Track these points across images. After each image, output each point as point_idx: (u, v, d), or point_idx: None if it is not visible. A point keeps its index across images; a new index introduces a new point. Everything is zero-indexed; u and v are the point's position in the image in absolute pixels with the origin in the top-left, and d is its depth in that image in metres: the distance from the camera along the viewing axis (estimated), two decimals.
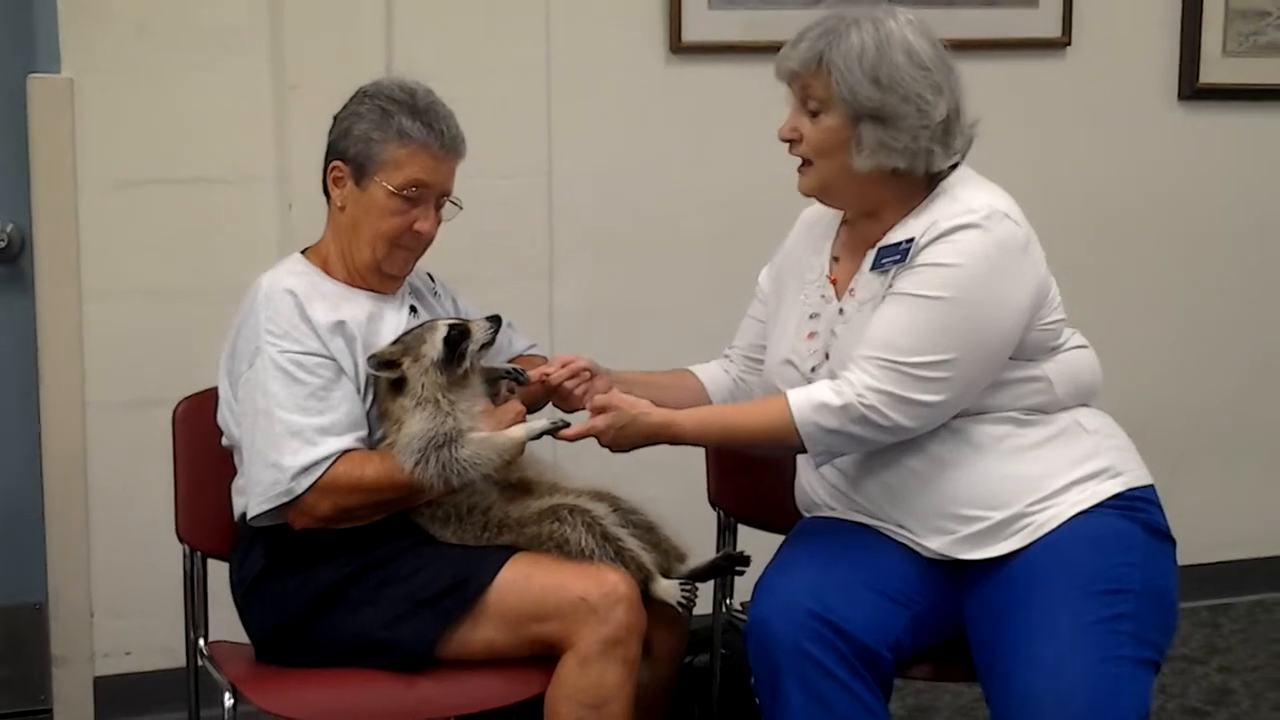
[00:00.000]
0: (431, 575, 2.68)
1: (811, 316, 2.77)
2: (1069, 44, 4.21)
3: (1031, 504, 2.62)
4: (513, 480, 2.78)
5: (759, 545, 2.91)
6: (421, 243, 2.83)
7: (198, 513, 2.93)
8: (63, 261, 3.59)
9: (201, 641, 2.91)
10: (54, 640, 3.72)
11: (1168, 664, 2.74)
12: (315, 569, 2.71)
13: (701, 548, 2.89)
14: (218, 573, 2.91)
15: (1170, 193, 4.38)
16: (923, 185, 2.68)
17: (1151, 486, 2.73)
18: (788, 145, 2.71)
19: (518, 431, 2.72)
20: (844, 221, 2.82)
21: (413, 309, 2.88)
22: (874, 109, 2.60)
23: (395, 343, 2.75)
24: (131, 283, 3.63)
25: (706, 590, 2.91)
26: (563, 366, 2.84)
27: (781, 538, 2.86)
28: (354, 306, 2.79)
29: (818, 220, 2.88)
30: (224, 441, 2.83)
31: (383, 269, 2.82)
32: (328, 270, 2.83)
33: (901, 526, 2.69)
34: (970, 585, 2.65)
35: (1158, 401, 4.30)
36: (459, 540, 2.74)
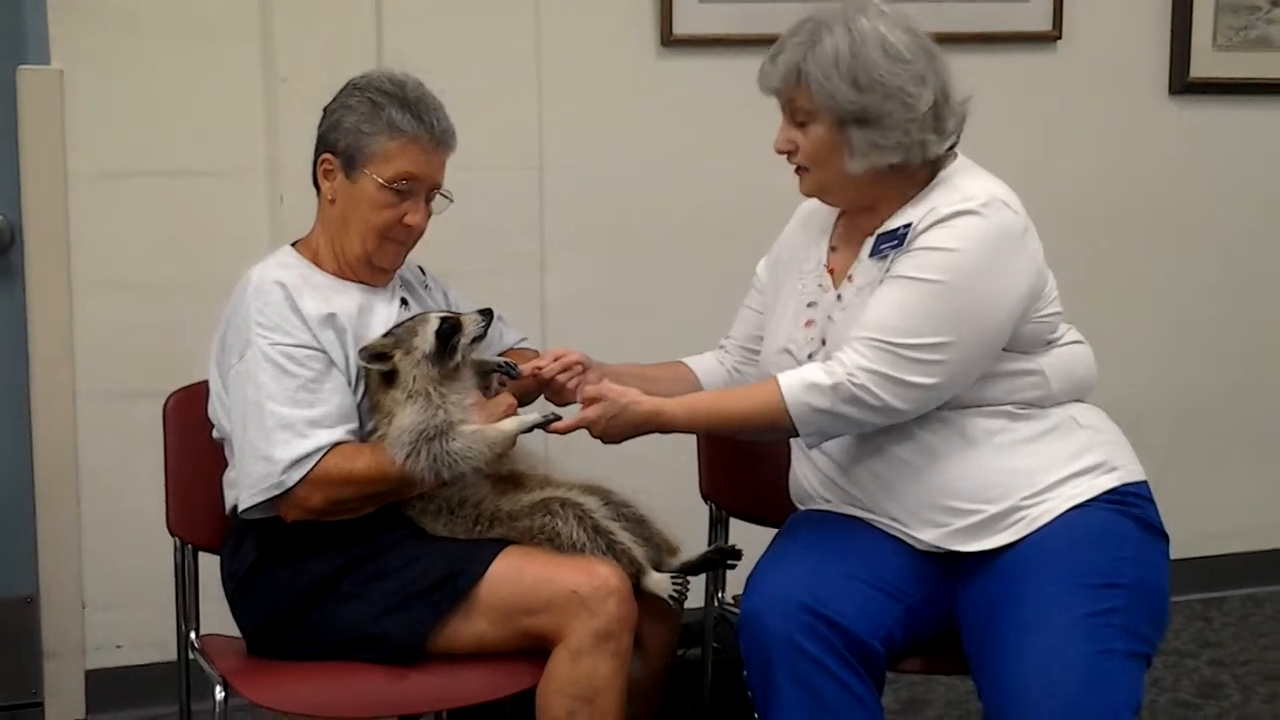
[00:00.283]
0: (423, 568, 2.68)
1: (809, 305, 2.77)
2: (1059, 37, 4.21)
3: (1025, 498, 2.62)
4: (504, 473, 2.78)
5: (751, 539, 2.91)
6: (412, 236, 2.83)
7: (189, 505, 2.92)
8: (53, 254, 3.59)
9: (192, 634, 2.91)
10: (45, 634, 3.72)
11: (1159, 657, 2.75)
12: (306, 562, 2.71)
13: (693, 541, 2.89)
14: (209, 566, 2.90)
15: (1161, 187, 4.39)
16: (922, 173, 2.68)
17: (1145, 482, 2.73)
18: (785, 156, 2.71)
19: (509, 425, 2.71)
20: (842, 212, 2.82)
21: (404, 302, 2.88)
22: (858, 112, 2.59)
23: (386, 335, 2.75)
24: (122, 275, 3.63)
25: (698, 584, 2.91)
26: (555, 360, 2.84)
27: (773, 531, 2.86)
28: (345, 299, 2.78)
29: (815, 211, 2.88)
30: (215, 434, 2.83)
31: (373, 262, 2.82)
32: (318, 263, 2.83)
33: (894, 519, 2.69)
34: (963, 578, 2.65)
35: (1149, 396, 4.31)
36: (450, 533, 2.74)
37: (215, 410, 2.80)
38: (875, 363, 2.56)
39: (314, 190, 2.86)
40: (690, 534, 2.91)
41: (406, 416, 2.67)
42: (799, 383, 2.60)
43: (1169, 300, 4.46)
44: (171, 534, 2.93)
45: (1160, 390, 4.41)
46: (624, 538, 2.70)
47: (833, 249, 2.81)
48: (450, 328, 2.73)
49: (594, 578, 2.62)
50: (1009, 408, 2.67)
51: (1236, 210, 4.47)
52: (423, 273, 3.00)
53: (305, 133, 2.87)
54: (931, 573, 2.66)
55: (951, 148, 2.69)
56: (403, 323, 2.77)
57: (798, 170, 2.71)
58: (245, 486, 2.68)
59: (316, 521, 2.69)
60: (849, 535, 2.70)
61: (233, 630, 2.86)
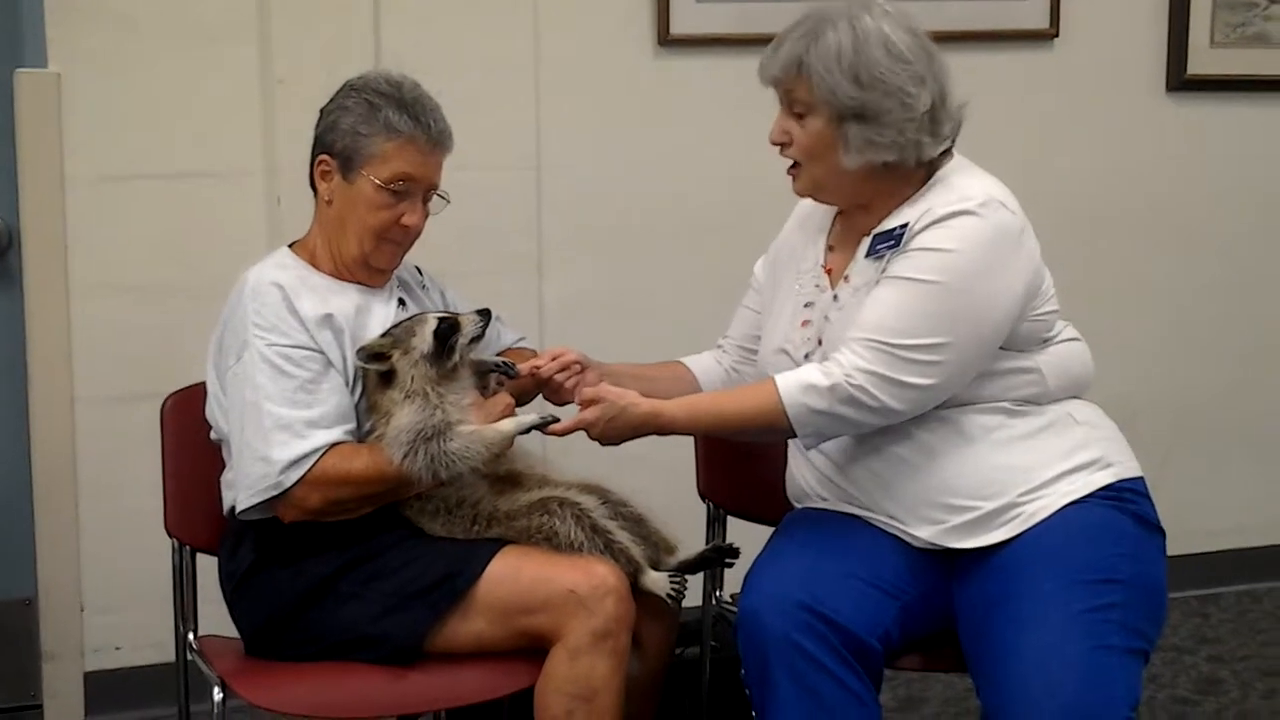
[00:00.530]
0: (421, 569, 2.68)
1: (806, 305, 2.78)
2: (1057, 35, 4.21)
3: (1022, 494, 2.62)
4: (501, 473, 2.78)
5: (748, 537, 2.91)
6: (409, 236, 2.83)
7: (187, 507, 2.92)
8: (50, 256, 3.59)
9: (191, 636, 2.91)
10: (44, 635, 3.72)
11: (1157, 653, 2.75)
12: (304, 562, 2.71)
13: (691, 540, 2.89)
14: (207, 567, 2.90)
15: (1159, 184, 4.39)
16: (918, 174, 2.68)
17: (1141, 478, 2.73)
18: (779, 148, 2.71)
19: (507, 425, 2.71)
20: (840, 212, 2.82)
21: (401, 302, 2.88)
22: (857, 108, 2.60)
23: (384, 335, 2.75)
24: (119, 277, 3.63)
25: (696, 582, 2.91)
26: (553, 359, 2.84)
27: (771, 529, 2.86)
28: (342, 299, 2.79)
29: (813, 211, 2.88)
30: (212, 435, 2.83)
31: (370, 263, 2.82)
32: (315, 264, 2.83)
33: (891, 516, 2.69)
34: (960, 575, 2.65)
35: (1147, 393, 4.31)
36: (448, 533, 2.74)
37: (213, 411, 2.80)
38: (872, 364, 2.57)
39: (311, 191, 2.86)
40: (688, 532, 2.91)
41: (404, 417, 2.67)
42: (796, 384, 2.60)
43: (1167, 297, 4.46)
44: (170, 535, 2.93)
45: (1158, 387, 4.41)
46: (622, 537, 2.70)
47: (830, 249, 2.81)
48: (448, 328, 2.73)
49: (592, 577, 2.62)
50: (1006, 405, 2.67)
51: (1235, 207, 4.47)
52: (420, 273, 3.00)
53: (302, 134, 2.87)
54: (929, 570, 2.66)
55: (946, 151, 2.69)
56: (400, 323, 2.78)
57: (791, 169, 2.71)
58: (243, 487, 2.68)
59: (314, 522, 2.69)
60: (846, 533, 2.70)
61: (231, 631, 2.86)
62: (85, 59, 3.55)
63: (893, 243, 2.64)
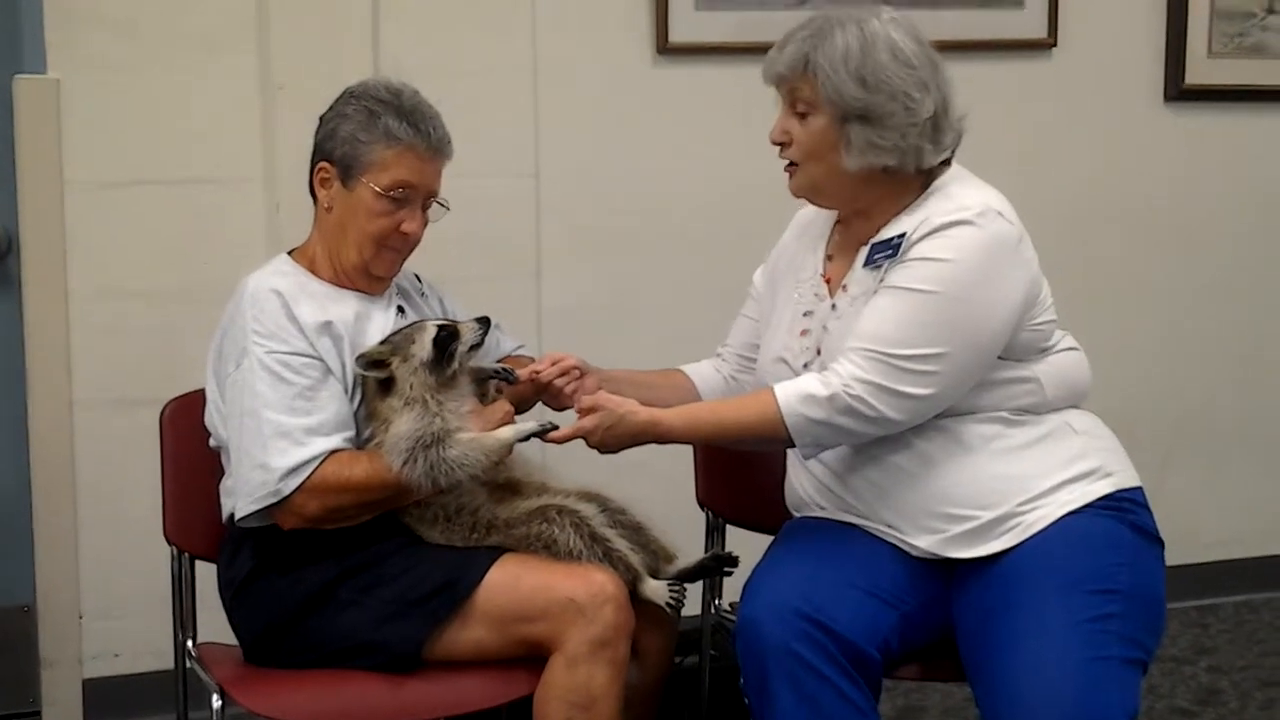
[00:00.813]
0: (420, 576, 2.68)
1: (805, 314, 2.78)
2: (1055, 45, 4.22)
3: (1021, 504, 2.62)
4: (500, 481, 2.78)
5: (747, 546, 2.91)
6: (408, 244, 2.83)
7: (186, 514, 2.92)
8: (49, 262, 3.59)
9: (190, 643, 2.90)
10: (42, 642, 3.71)
11: (1156, 664, 2.75)
12: (303, 570, 2.71)
13: (690, 548, 2.89)
14: (206, 574, 2.90)
15: (1156, 193, 4.39)
16: (916, 183, 2.69)
17: (1140, 488, 2.73)
18: (779, 148, 2.71)
19: (506, 433, 2.71)
20: (838, 221, 2.82)
21: (400, 309, 2.88)
22: (861, 109, 2.60)
23: (384, 343, 2.75)
24: (119, 284, 3.62)
25: (695, 591, 2.92)
26: (552, 364, 2.84)
27: (770, 538, 2.86)
28: (341, 307, 2.79)
29: (812, 220, 2.89)
30: (212, 442, 2.83)
31: (370, 270, 2.82)
32: (314, 271, 2.83)
33: (890, 526, 2.69)
34: (959, 585, 2.65)
35: (1145, 402, 4.31)
36: (447, 541, 2.74)
37: (212, 418, 2.80)
38: (870, 373, 2.57)
39: (310, 198, 2.86)
40: (687, 541, 2.91)
41: (403, 424, 2.67)
42: (795, 394, 2.60)
43: (1165, 306, 4.46)
44: (169, 542, 2.93)
45: (1156, 396, 4.42)
46: (620, 545, 2.70)
47: (829, 258, 2.82)
48: (448, 335, 2.73)
49: (591, 585, 2.62)
50: (1004, 414, 2.67)
51: (1233, 217, 4.47)
52: (419, 280, 3.00)
53: (302, 141, 2.88)
54: (927, 579, 2.66)
55: (945, 161, 2.70)
56: (400, 330, 2.78)
57: (788, 167, 2.72)
58: (242, 495, 2.68)
59: (313, 529, 2.69)
60: (845, 542, 2.70)
61: (230, 639, 2.86)
62: (85, 65, 3.55)
63: (890, 252, 2.64)
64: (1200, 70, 4.35)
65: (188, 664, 2.89)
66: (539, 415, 2.83)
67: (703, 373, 3.02)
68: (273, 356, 2.69)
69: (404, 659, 2.65)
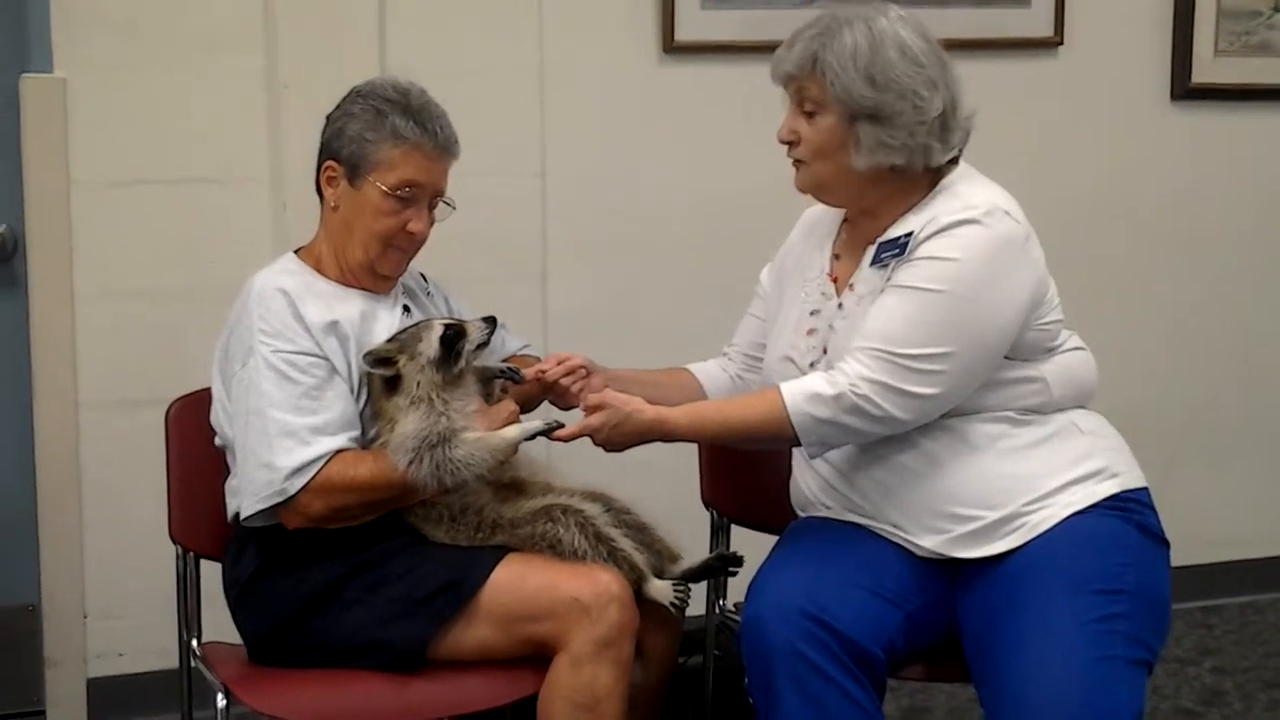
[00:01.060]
0: (424, 575, 2.68)
1: (812, 313, 2.78)
2: (1061, 44, 4.22)
3: (1026, 504, 2.62)
4: (506, 480, 2.78)
5: (752, 546, 2.91)
6: (415, 243, 2.83)
7: (191, 513, 2.92)
8: (55, 262, 3.59)
9: (194, 642, 2.91)
10: (47, 642, 3.72)
11: (1160, 665, 2.74)
12: (308, 569, 2.71)
13: (694, 548, 2.89)
14: (211, 573, 2.90)
15: (1163, 192, 4.39)
16: (923, 181, 2.68)
17: (1146, 489, 2.73)
18: (787, 147, 2.71)
19: (511, 432, 2.71)
20: (845, 220, 2.82)
21: (406, 309, 2.88)
22: (870, 108, 2.60)
23: (391, 341, 2.75)
24: (124, 283, 3.63)
25: (700, 591, 2.91)
26: (558, 363, 2.84)
27: (775, 538, 2.86)
28: (347, 306, 2.79)
29: (819, 219, 2.89)
30: (217, 441, 2.83)
31: (376, 269, 2.82)
32: (321, 270, 2.83)
33: (895, 525, 2.69)
34: (964, 585, 2.65)
35: (1150, 402, 4.31)
36: (452, 540, 2.74)
37: (218, 417, 2.80)
38: (877, 373, 2.57)
39: (317, 197, 2.86)
40: (691, 541, 2.90)
41: (409, 423, 2.67)
42: (801, 393, 2.60)
43: (1171, 307, 4.46)
44: (173, 542, 2.93)
45: (1162, 396, 4.41)
46: (625, 545, 2.70)
47: (836, 257, 2.81)
48: (454, 334, 2.73)
49: (595, 585, 2.62)
50: (1010, 414, 2.67)
51: (1239, 216, 4.47)
52: (425, 280, 3.00)
53: (308, 140, 2.88)
54: (932, 579, 2.66)
55: (952, 160, 2.69)
56: (406, 329, 2.78)
57: (796, 164, 2.71)
58: (247, 494, 2.68)
59: (318, 529, 2.69)
60: (850, 542, 2.70)
61: (235, 638, 2.86)
62: (91, 64, 3.55)
63: (897, 251, 2.64)
64: (1206, 69, 4.35)
65: (192, 663, 2.89)
66: (544, 415, 2.83)
67: (709, 372, 3.02)
68: (278, 355, 2.69)
69: (409, 658, 2.65)
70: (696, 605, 2.84)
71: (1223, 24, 4.35)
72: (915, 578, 2.66)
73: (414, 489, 2.67)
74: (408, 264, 2.88)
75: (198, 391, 2.93)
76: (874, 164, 2.63)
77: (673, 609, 2.72)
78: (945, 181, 2.69)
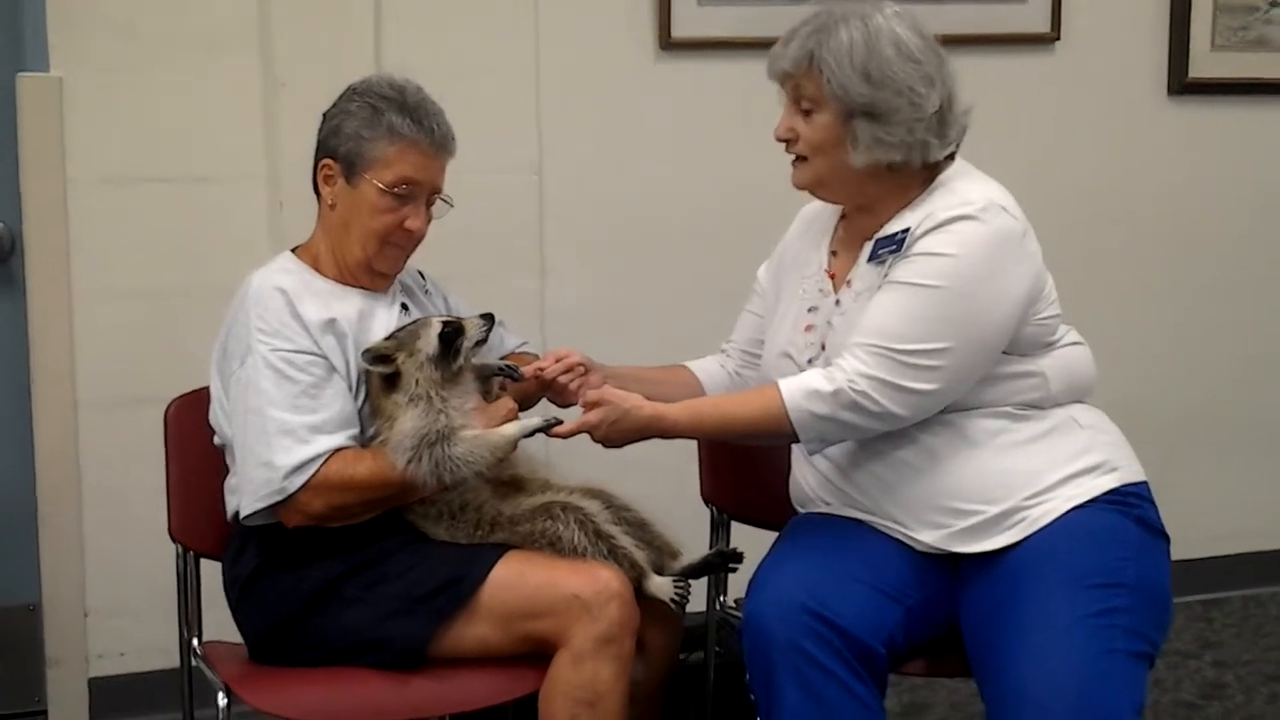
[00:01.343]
0: (424, 573, 2.68)
1: (809, 310, 2.78)
2: (1058, 39, 4.22)
3: (1026, 498, 2.62)
4: (505, 478, 2.78)
5: (752, 542, 2.91)
6: (412, 240, 2.83)
7: (190, 512, 2.92)
8: (53, 261, 3.59)
9: (195, 641, 2.91)
10: (48, 641, 3.72)
11: (1161, 658, 2.75)
12: (308, 567, 2.71)
13: (694, 545, 2.89)
14: (211, 572, 2.90)
15: (1160, 188, 4.39)
16: (920, 177, 2.68)
17: (1145, 483, 2.73)
18: (784, 144, 2.71)
19: (510, 429, 2.71)
20: (842, 216, 2.82)
21: (404, 307, 2.88)
22: (867, 105, 2.60)
23: (389, 338, 2.75)
24: (122, 282, 3.63)
25: (700, 587, 2.91)
26: (556, 360, 2.84)
27: (775, 534, 2.86)
28: (345, 304, 2.79)
29: (816, 216, 2.89)
30: (216, 440, 2.83)
31: (374, 267, 2.82)
32: (318, 268, 2.83)
33: (895, 521, 2.69)
34: (964, 580, 2.65)
35: (1150, 396, 4.31)
36: (451, 538, 2.74)
37: (216, 416, 2.80)
38: (875, 369, 2.57)
39: (314, 196, 2.86)
40: (691, 537, 2.91)
41: (408, 421, 2.67)
42: (800, 389, 2.60)
43: (1169, 301, 4.46)
44: (174, 541, 2.93)
45: (1161, 391, 4.41)
46: (625, 541, 2.70)
47: (833, 253, 2.81)
48: (453, 331, 2.73)
49: (595, 582, 2.62)
50: (1009, 409, 2.67)
51: (1236, 210, 4.47)
52: (423, 277, 3.00)
53: (305, 138, 2.88)
54: (932, 574, 2.66)
55: (949, 156, 2.69)
56: (405, 326, 2.78)
57: (795, 161, 2.71)
58: (247, 493, 2.68)
59: (318, 527, 2.69)
60: (850, 537, 2.70)
61: (235, 637, 2.86)
62: (87, 63, 3.55)
63: (894, 247, 2.64)
64: (1203, 64, 4.35)
65: (193, 662, 2.89)
66: (543, 412, 2.82)
67: (707, 369, 3.02)
68: (277, 354, 2.69)
69: (409, 656, 2.65)
70: (697, 602, 2.84)
71: (1219, 19, 4.35)
72: (915, 573, 2.66)
73: (413, 486, 2.67)
74: (405, 262, 2.88)
75: (197, 390, 2.93)
76: (871, 161, 2.63)
77: (673, 605, 2.72)
78: (942, 177, 2.69)
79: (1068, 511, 2.61)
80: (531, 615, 2.63)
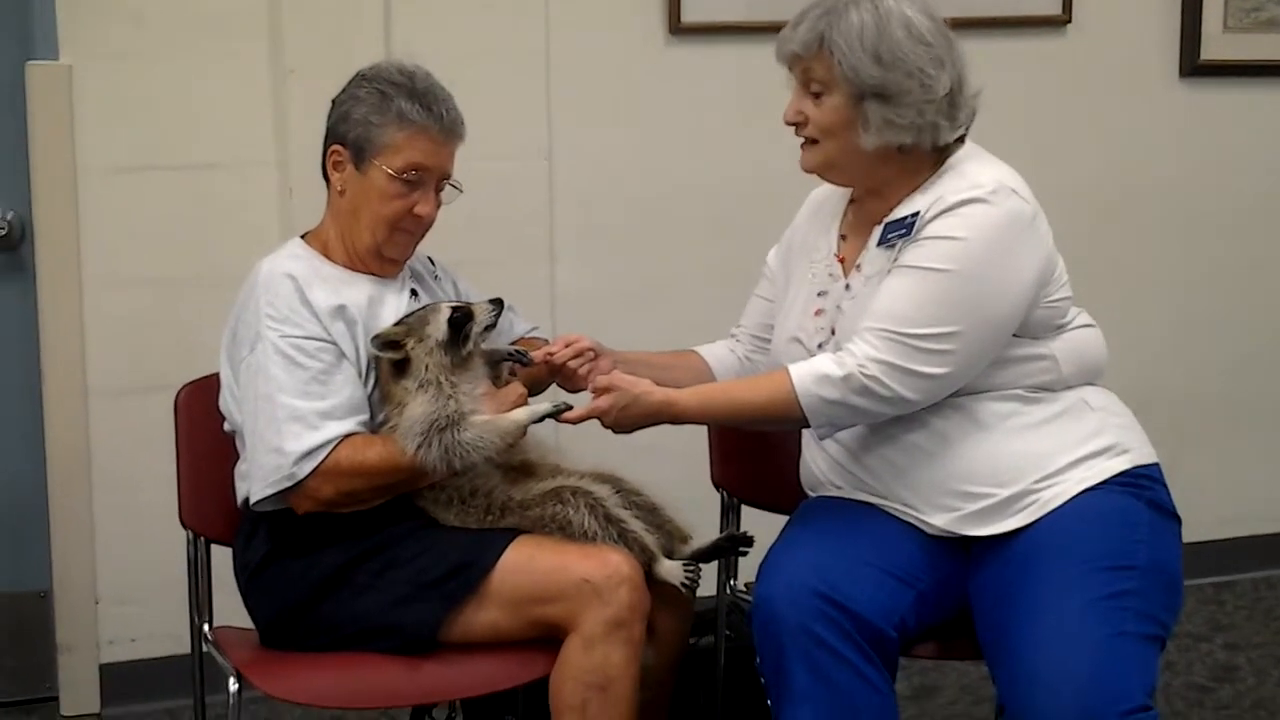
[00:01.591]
0: (435, 558, 2.68)
1: (819, 294, 2.77)
2: (1069, 21, 4.21)
3: (1037, 481, 2.61)
4: (515, 463, 2.78)
5: (762, 526, 2.91)
6: (422, 226, 2.83)
7: (201, 498, 2.92)
8: (63, 249, 3.59)
9: (206, 627, 2.90)
10: (59, 628, 3.73)
11: (1172, 641, 2.74)
12: (319, 553, 2.71)
13: (705, 529, 2.89)
14: (222, 558, 2.91)
15: (1171, 170, 4.38)
16: (930, 160, 2.68)
17: (1157, 465, 2.72)
18: (793, 128, 2.70)
19: (520, 414, 2.71)
20: (851, 200, 2.82)
21: (413, 292, 2.88)
22: (877, 87, 2.59)
23: (399, 324, 2.75)
24: (132, 269, 3.63)
25: (710, 571, 2.91)
26: (566, 345, 2.84)
27: (785, 518, 2.86)
28: (354, 290, 2.78)
29: (825, 200, 2.88)
30: (226, 427, 2.83)
31: (383, 253, 2.82)
32: (328, 254, 2.83)
33: (906, 504, 2.68)
34: (975, 563, 2.65)
35: (1160, 379, 4.30)
36: (462, 523, 2.74)
37: (226, 403, 2.80)
38: (886, 353, 2.56)
39: (323, 182, 2.86)
40: (702, 522, 2.91)
41: (418, 407, 2.67)
42: (810, 374, 2.60)
43: (1180, 283, 4.45)
44: (184, 527, 2.93)
45: (1171, 373, 4.41)
46: (635, 526, 2.70)
47: (843, 238, 2.81)
48: (462, 316, 2.73)
49: (606, 566, 2.62)
50: (1020, 392, 2.66)
51: (1248, 193, 4.46)
52: (432, 263, 3.00)
53: (314, 125, 2.88)
54: (943, 557, 2.66)
55: (959, 139, 2.69)
56: (414, 312, 2.78)
57: (804, 144, 2.71)
58: (257, 479, 2.68)
59: (328, 513, 2.69)
60: (860, 521, 2.69)
61: (246, 622, 2.86)
62: (96, 51, 3.56)
63: (904, 231, 2.64)
64: (1215, 46, 4.33)
65: (204, 648, 2.89)
66: (553, 397, 2.83)
67: (717, 353, 3.02)
68: (286, 341, 2.69)
69: (420, 641, 2.65)
70: (707, 586, 2.84)
71: (1231, 1, 4.33)
72: (926, 556, 2.66)
73: (423, 472, 2.67)
74: (415, 247, 2.88)
75: (206, 377, 2.93)
76: (882, 143, 2.63)
77: (683, 589, 2.72)
78: (952, 160, 2.69)
79: (1079, 494, 2.61)
80: (542, 600, 2.63)
